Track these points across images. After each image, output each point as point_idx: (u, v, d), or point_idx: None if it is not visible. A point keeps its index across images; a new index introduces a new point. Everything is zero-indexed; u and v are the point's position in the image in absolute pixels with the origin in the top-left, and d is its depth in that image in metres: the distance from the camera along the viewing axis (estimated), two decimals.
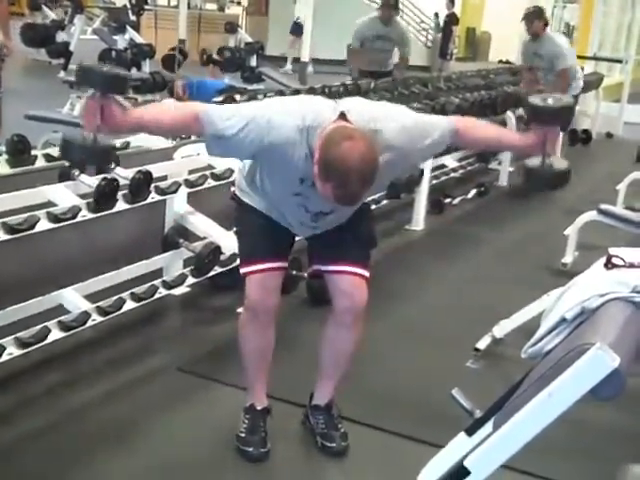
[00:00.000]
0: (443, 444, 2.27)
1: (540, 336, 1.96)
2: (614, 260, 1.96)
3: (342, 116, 2.40)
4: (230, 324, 3.81)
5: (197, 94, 7.49)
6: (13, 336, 2.94)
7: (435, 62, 15.65)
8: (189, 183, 3.72)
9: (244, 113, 2.43)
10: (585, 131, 10.16)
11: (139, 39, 10.63)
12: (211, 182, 3.82)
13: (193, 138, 4.58)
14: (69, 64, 10.88)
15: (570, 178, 2.72)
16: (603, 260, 2.04)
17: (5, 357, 2.88)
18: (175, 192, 3.65)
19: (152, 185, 3.48)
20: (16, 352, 2.92)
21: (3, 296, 3.13)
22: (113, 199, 3.27)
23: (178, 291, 3.95)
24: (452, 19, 15.89)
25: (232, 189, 2.83)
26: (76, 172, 3.27)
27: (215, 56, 10.31)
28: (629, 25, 12.41)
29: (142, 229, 3.97)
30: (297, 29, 14.17)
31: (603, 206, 4.96)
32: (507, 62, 18.48)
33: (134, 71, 10.00)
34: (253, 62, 11.44)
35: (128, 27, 10.55)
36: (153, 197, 3.51)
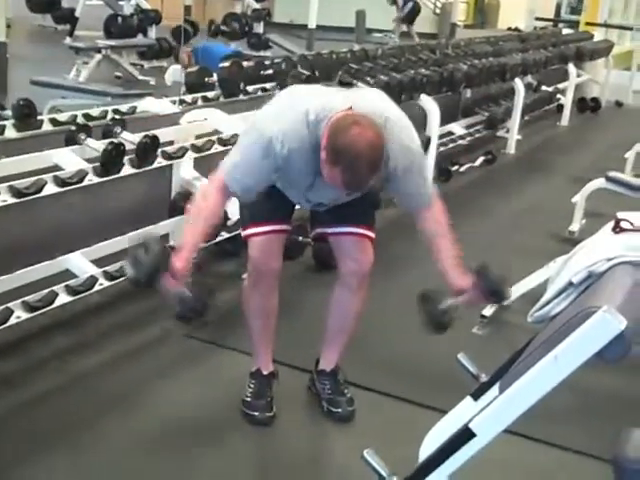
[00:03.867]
0: (448, 409, 2.28)
1: (546, 300, 1.96)
2: (622, 224, 1.95)
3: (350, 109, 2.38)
4: (236, 290, 3.79)
5: (202, 60, 7.45)
6: (21, 300, 2.95)
7: (443, 29, 15.48)
8: (196, 148, 3.71)
9: (254, 146, 2.39)
10: (594, 99, 10.08)
11: (145, 5, 10.56)
12: (218, 147, 3.80)
13: (200, 103, 4.58)
14: (75, 30, 10.85)
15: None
16: (611, 224, 2.03)
17: (13, 320, 2.89)
18: (181, 157, 3.64)
19: (159, 150, 3.46)
20: (24, 315, 2.93)
21: (10, 260, 3.13)
22: (120, 163, 3.26)
23: None
24: None
25: None
26: (82, 136, 3.26)
27: (222, 27, 10.22)
28: None
29: (148, 194, 3.96)
30: None
31: (611, 173, 4.93)
32: (516, 29, 18.33)
33: (140, 37, 9.97)
34: (260, 29, 11.38)
35: None
36: (160, 162, 3.50)
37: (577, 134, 8.84)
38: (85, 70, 8.11)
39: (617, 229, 1.96)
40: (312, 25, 11.44)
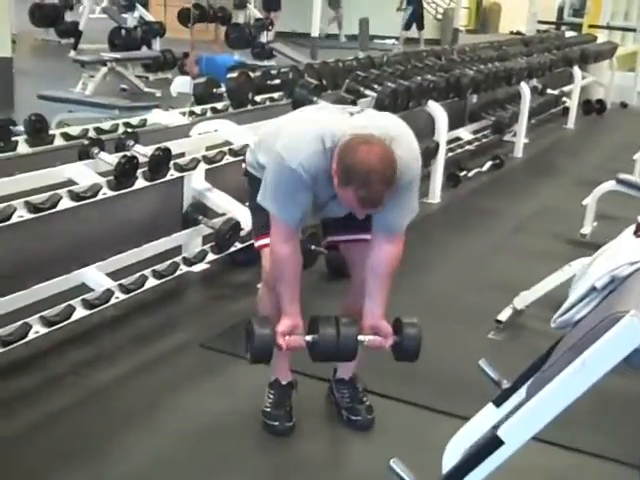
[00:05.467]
0: (469, 416, 2.28)
1: (569, 305, 1.95)
2: None
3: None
4: (250, 299, 3.80)
5: (207, 70, 7.46)
6: (38, 315, 2.95)
7: (445, 35, 15.51)
8: (207, 159, 3.72)
9: (286, 182, 2.41)
10: (599, 101, 10.08)
11: (149, 17, 10.60)
12: (229, 158, 3.81)
13: (209, 114, 4.58)
14: (79, 43, 10.89)
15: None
16: (632, 228, 2.02)
17: (31, 335, 2.89)
18: (194, 169, 3.65)
19: (171, 162, 3.47)
20: (42, 330, 2.93)
21: (26, 275, 3.13)
22: (133, 176, 3.27)
23: (197, 268, 3.96)
24: None
25: (243, 165, 2.82)
26: (95, 150, 3.26)
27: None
28: None
29: (160, 206, 3.96)
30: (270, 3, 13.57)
31: (622, 176, 4.93)
32: (518, 33, 18.35)
33: (144, 49, 10.00)
34: (263, 38, 11.39)
35: (138, 5, 10.51)
36: (172, 174, 3.50)
37: (584, 136, 8.84)
38: (91, 83, 8.14)
39: (639, 233, 1.95)
40: (315, 34, 11.48)
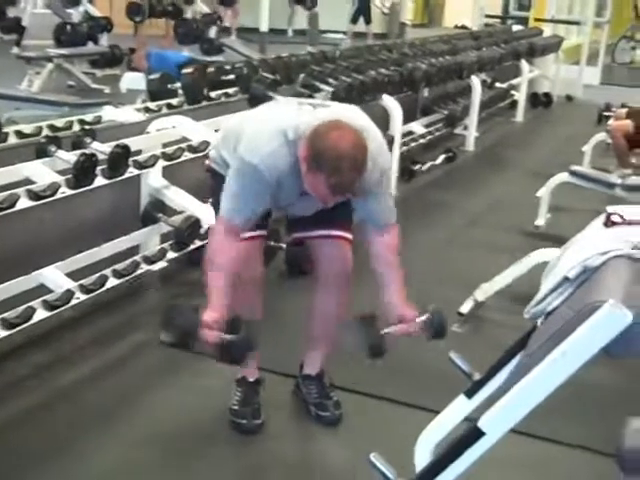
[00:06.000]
0: (437, 408, 2.29)
1: (543, 296, 1.97)
2: (613, 218, 1.97)
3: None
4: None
5: (156, 66, 7.35)
6: None
7: (392, 29, 15.57)
8: (166, 156, 3.67)
9: (244, 180, 2.40)
10: (546, 94, 10.23)
11: (94, 12, 10.40)
12: (188, 155, 3.77)
13: (164, 111, 4.53)
14: (22, 39, 10.65)
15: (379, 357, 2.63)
16: (601, 219, 2.05)
17: None
18: (153, 165, 3.60)
19: (130, 159, 3.42)
20: (3, 333, 2.87)
21: None
22: (92, 174, 3.21)
23: (156, 267, 3.91)
24: None
25: (206, 162, 2.80)
26: (53, 148, 3.20)
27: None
28: None
29: (118, 205, 3.90)
30: None
31: (574, 167, 5.01)
32: (463, 27, 18.50)
33: (91, 45, 9.82)
34: (212, 34, 11.28)
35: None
36: (131, 171, 3.45)
37: (532, 129, 8.96)
38: (38, 80, 7.96)
39: (608, 223, 1.98)
40: (264, 28, 11.36)
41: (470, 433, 1.72)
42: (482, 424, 1.69)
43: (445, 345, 3.37)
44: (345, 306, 2.79)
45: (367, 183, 2.38)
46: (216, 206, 2.78)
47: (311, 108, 2.49)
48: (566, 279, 1.93)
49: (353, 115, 2.47)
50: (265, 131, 2.41)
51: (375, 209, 2.52)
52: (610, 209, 2.03)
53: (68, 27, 9.77)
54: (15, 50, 10.08)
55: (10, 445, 2.59)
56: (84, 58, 9.20)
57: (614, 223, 1.98)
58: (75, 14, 10.38)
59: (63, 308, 3.15)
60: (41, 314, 3.03)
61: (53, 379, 3.00)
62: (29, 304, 3.01)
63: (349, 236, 2.72)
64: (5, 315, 2.90)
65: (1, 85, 6.81)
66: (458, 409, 2.26)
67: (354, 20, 14.85)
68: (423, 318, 2.57)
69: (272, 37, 11.87)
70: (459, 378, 2.47)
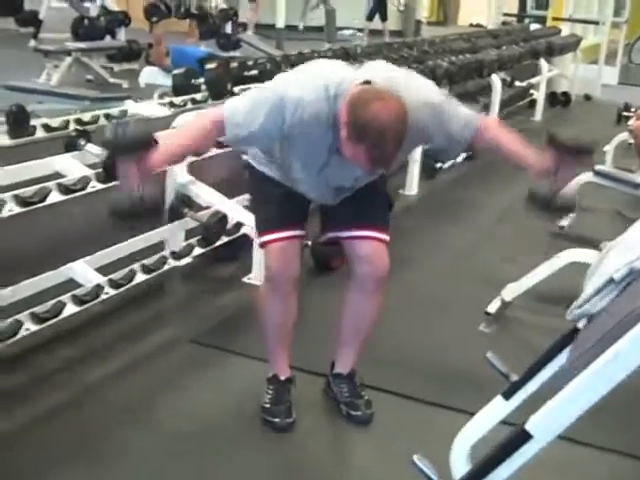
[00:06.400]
0: (468, 409, 2.27)
1: (587, 297, 1.94)
2: None
3: (366, 83, 2.34)
4: (237, 293, 3.81)
5: (177, 61, 7.35)
6: (29, 311, 2.88)
7: (408, 26, 15.54)
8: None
9: (264, 101, 2.32)
10: (564, 93, 10.17)
11: (112, 6, 10.42)
12: (215, 150, 3.75)
13: (189, 105, 4.52)
14: (39, 32, 10.68)
15: (574, 209, 2.63)
16: None
17: (23, 332, 2.82)
18: (182, 160, 3.57)
19: None
20: (33, 327, 2.87)
21: (14, 271, 3.06)
22: None
23: (182, 262, 3.90)
24: None
25: (244, 157, 2.77)
26: (82, 142, 3.19)
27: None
28: None
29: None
30: None
31: (599, 167, 4.97)
32: (478, 25, 18.45)
33: (108, 39, 9.84)
34: (228, 29, 11.29)
35: None
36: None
37: (551, 128, 8.87)
38: (56, 74, 7.98)
39: None
40: (280, 25, 11.42)
41: (516, 436, 1.70)
42: (530, 427, 1.67)
43: (474, 346, 3.40)
44: (379, 308, 2.77)
45: (429, 130, 2.40)
46: (254, 204, 2.78)
47: (354, 68, 2.47)
48: (611, 281, 1.91)
49: (391, 72, 2.44)
50: (311, 77, 2.36)
51: (458, 133, 2.47)
52: None
53: (86, 21, 9.81)
54: (32, 43, 10.11)
55: (37, 443, 2.58)
56: (102, 52, 9.21)
57: None
58: (93, 8, 10.41)
59: (92, 303, 3.13)
60: (71, 309, 3.03)
61: (82, 374, 2.99)
62: (59, 299, 3.00)
63: (386, 237, 2.69)
64: (36, 309, 2.89)
65: (20, 78, 6.81)
66: (495, 411, 2.23)
67: (370, 17, 14.83)
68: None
69: (287, 33, 11.91)
70: (492, 380, 2.46)
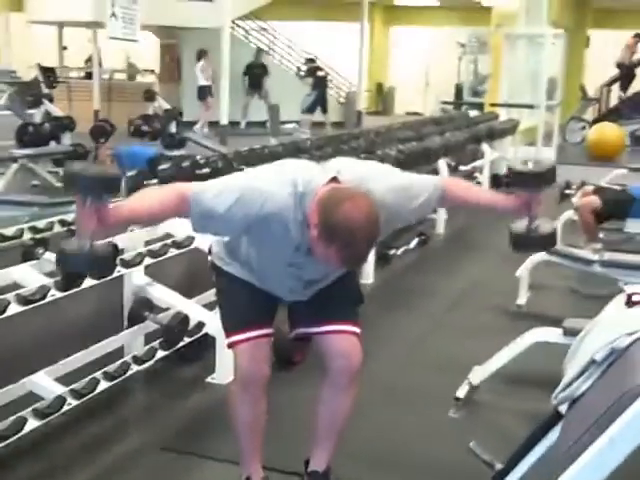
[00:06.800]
0: None
1: (569, 380, 1.94)
2: (634, 298, 1.97)
3: (333, 179, 2.35)
4: (203, 395, 3.72)
5: (128, 162, 7.35)
6: None
7: (349, 117, 15.88)
8: (153, 253, 3.61)
9: (234, 187, 2.33)
10: (507, 175, 10.40)
11: (56, 112, 10.44)
12: (173, 251, 3.72)
13: None
14: None
15: (556, 240, 2.67)
16: (620, 299, 2.04)
17: None
18: (140, 263, 3.53)
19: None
20: None
21: None
22: (81, 276, 3.13)
23: (144, 366, 3.80)
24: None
25: (209, 258, 2.75)
26: (40, 250, 3.13)
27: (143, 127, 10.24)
28: (533, 73, 12.86)
29: (101, 305, 3.82)
30: (201, 94, 14.34)
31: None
32: (415, 113, 18.97)
33: (53, 144, 9.82)
34: (173, 128, 11.39)
35: (45, 100, 10.36)
36: (119, 270, 3.38)
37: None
38: (1, 181, 7.91)
39: (630, 303, 1.97)
40: (224, 122, 11.64)
41: None
42: None
43: (445, 432, 3.36)
44: (353, 401, 2.72)
45: (393, 212, 2.41)
46: (221, 304, 2.73)
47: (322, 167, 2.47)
48: (593, 362, 1.91)
49: (359, 169, 2.46)
50: (279, 173, 2.37)
51: (424, 203, 2.50)
52: (629, 289, 2.03)
53: (30, 128, 9.78)
54: None
55: None
56: (48, 157, 9.18)
57: (636, 303, 1.97)
58: (37, 114, 10.42)
59: (55, 415, 3.02)
60: (32, 424, 2.90)
61: None
62: (20, 414, 2.88)
63: (358, 330, 2.66)
64: None
65: None
66: None
67: (311, 110, 15.07)
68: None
69: (230, 129, 12.10)
70: (471, 468, 2.43)
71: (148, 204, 2.36)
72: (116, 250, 2.34)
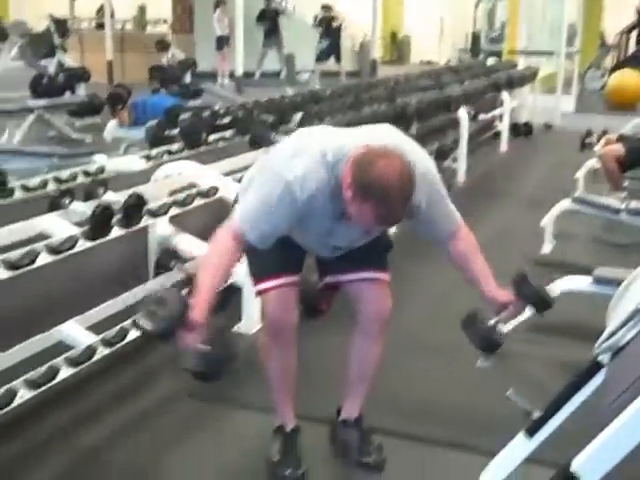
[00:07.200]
0: (480, 448, 2.21)
1: (612, 330, 1.91)
2: None
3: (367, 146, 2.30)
4: None
5: (147, 114, 7.31)
6: (23, 378, 2.76)
7: (364, 66, 15.67)
8: (178, 203, 3.58)
9: (270, 191, 2.29)
10: (526, 124, 10.31)
11: (69, 62, 10.37)
12: (199, 200, 3.69)
13: (165, 158, 4.46)
14: None
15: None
16: None
17: (17, 401, 2.70)
18: (166, 213, 3.50)
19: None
20: (27, 395, 2.75)
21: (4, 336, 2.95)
22: (108, 225, 3.12)
23: None
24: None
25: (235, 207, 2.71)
26: (67, 200, 3.12)
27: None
28: (552, 19, 12.66)
29: (129, 255, 3.81)
30: (219, 44, 14.19)
31: (578, 194, 5.00)
32: (429, 62, 18.76)
33: (68, 95, 9.75)
34: (187, 79, 11.30)
35: (58, 51, 10.28)
36: (146, 221, 3.36)
37: (518, 158, 9.00)
38: (19, 132, 7.88)
39: None
40: (239, 72, 11.50)
41: (561, 478, 1.65)
42: (576, 468, 1.62)
43: (474, 382, 3.35)
44: (383, 349, 2.72)
45: (419, 204, 2.35)
46: (248, 253, 2.70)
47: (358, 132, 2.43)
48: (638, 311, 1.88)
49: (394, 140, 2.40)
50: (304, 149, 2.33)
51: (440, 221, 2.49)
52: None
53: (45, 79, 9.71)
54: None
55: None
56: (63, 108, 9.12)
57: None
58: (50, 66, 10.35)
59: (87, 364, 3.03)
60: (65, 372, 2.92)
61: (77, 440, 2.87)
62: (52, 362, 2.89)
63: (387, 278, 2.66)
64: (29, 376, 2.78)
65: None
66: (518, 449, 2.18)
67: (323, 58, 14.79)
68: (522, 300, 2.55)
69: (245, 80, 11.99)
70: (502, 417, 2.41)
71: (213, 269, 2.32)
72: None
